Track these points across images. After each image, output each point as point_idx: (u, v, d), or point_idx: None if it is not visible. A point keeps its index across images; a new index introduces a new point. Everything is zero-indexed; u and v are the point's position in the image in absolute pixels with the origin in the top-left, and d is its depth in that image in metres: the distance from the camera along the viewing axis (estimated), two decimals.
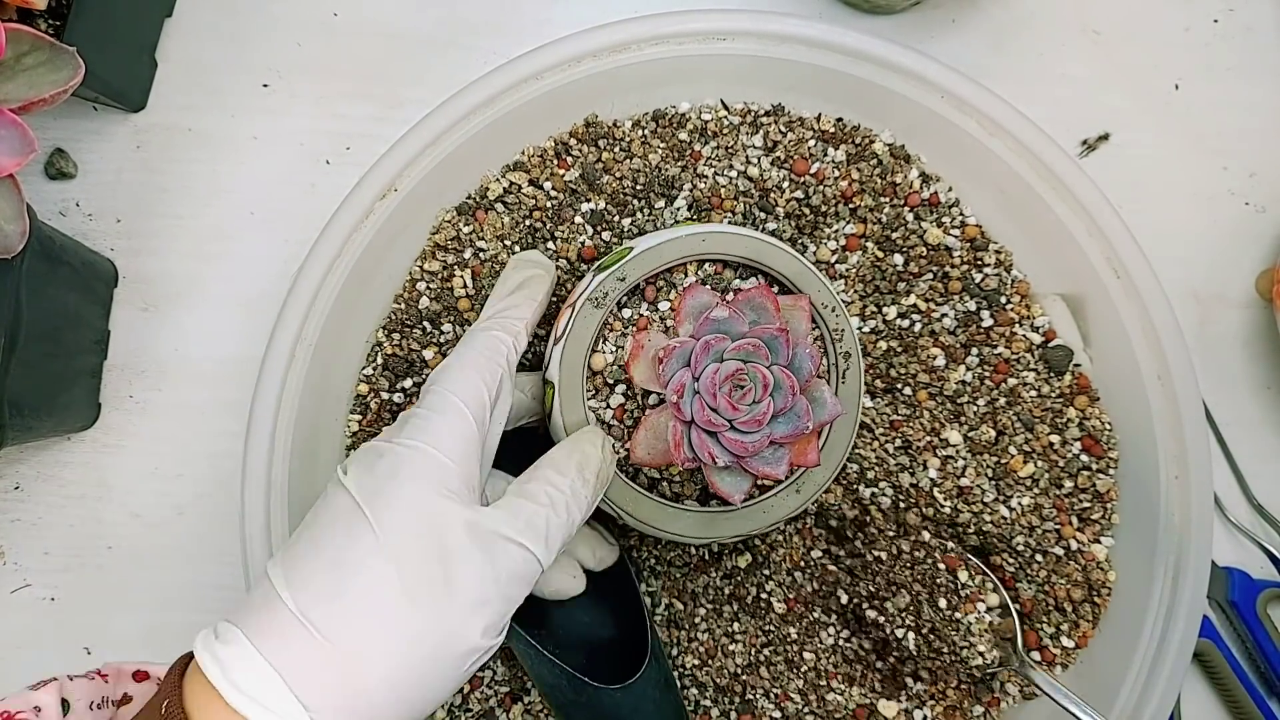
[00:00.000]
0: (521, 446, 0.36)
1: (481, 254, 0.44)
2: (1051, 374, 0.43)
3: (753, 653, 0.42)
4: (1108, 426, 0.43)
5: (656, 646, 0.39)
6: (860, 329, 0.44)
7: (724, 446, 0.35)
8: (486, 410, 0.32)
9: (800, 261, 0.38)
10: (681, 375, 0.35)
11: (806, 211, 0.44)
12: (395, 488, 0.29)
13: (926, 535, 0.41)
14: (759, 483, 0.38)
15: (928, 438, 0.43)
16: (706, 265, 0.39)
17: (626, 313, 0.38)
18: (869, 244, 0.44)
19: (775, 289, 0.38)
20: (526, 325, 0.35)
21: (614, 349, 0.38)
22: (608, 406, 0.38)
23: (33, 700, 0.29)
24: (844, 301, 0.43)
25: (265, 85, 0.49)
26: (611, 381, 0.38)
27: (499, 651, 0.41)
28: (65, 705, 0.29)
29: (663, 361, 0.35)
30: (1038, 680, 0.38)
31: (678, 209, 0.44)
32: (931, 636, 0.40)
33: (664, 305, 0.38)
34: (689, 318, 0.36)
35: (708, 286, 0.37)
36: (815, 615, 0.43)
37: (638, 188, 0.44)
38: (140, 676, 0.33)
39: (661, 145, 0.44)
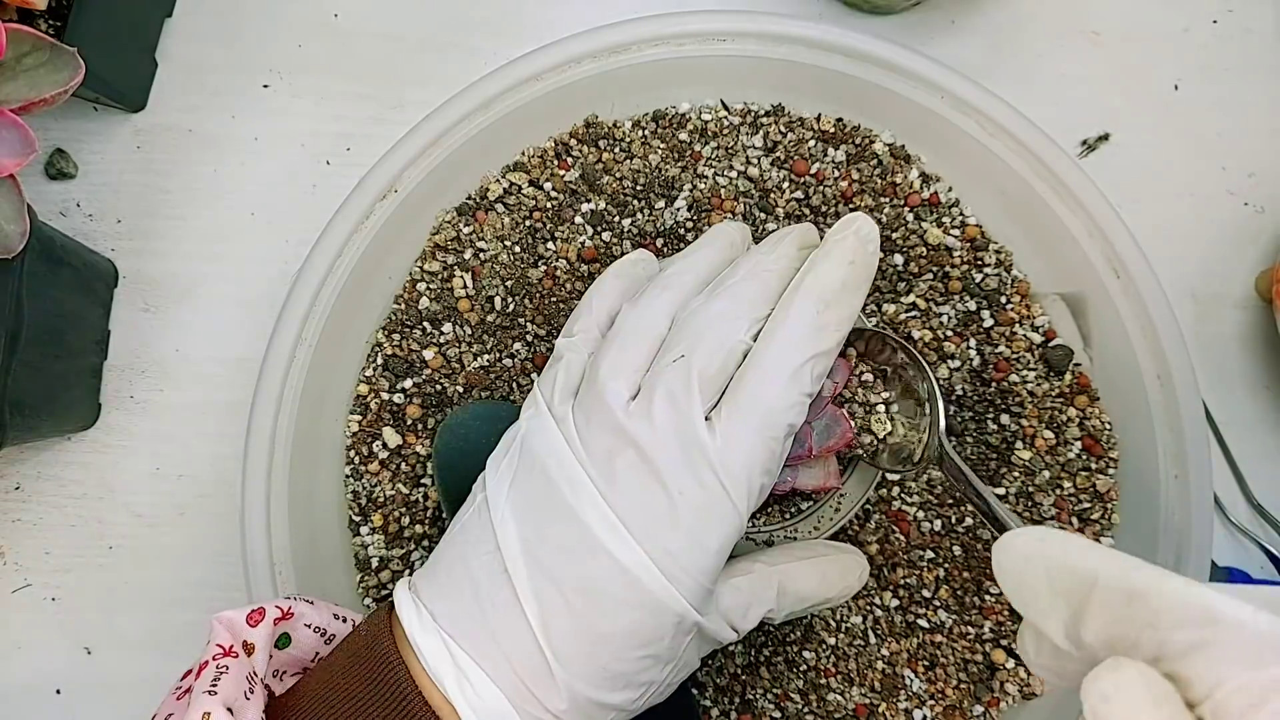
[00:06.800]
0: None
1: (481, 254, 0.44)
2: (1051, 374, 0.43)
3: (753, 653, 0.42)
4: (1108, 426, 0.43)
5: None
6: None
7: None
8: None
9: None
10: None
11: (806, 212, 0.44)
12: None
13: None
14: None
15: None
16: None
17: None
18: None
19: None
20: None
21: None
22: None
23: None
24: None
25: (266, 86, 0.49)
26: None
27: None
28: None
29: None
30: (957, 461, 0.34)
31: (678, 209, 0.44)
32: None
33: None
34: None
35: None
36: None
37: (638, 188, 0.44)
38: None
39: (662, 146, 0.44)
